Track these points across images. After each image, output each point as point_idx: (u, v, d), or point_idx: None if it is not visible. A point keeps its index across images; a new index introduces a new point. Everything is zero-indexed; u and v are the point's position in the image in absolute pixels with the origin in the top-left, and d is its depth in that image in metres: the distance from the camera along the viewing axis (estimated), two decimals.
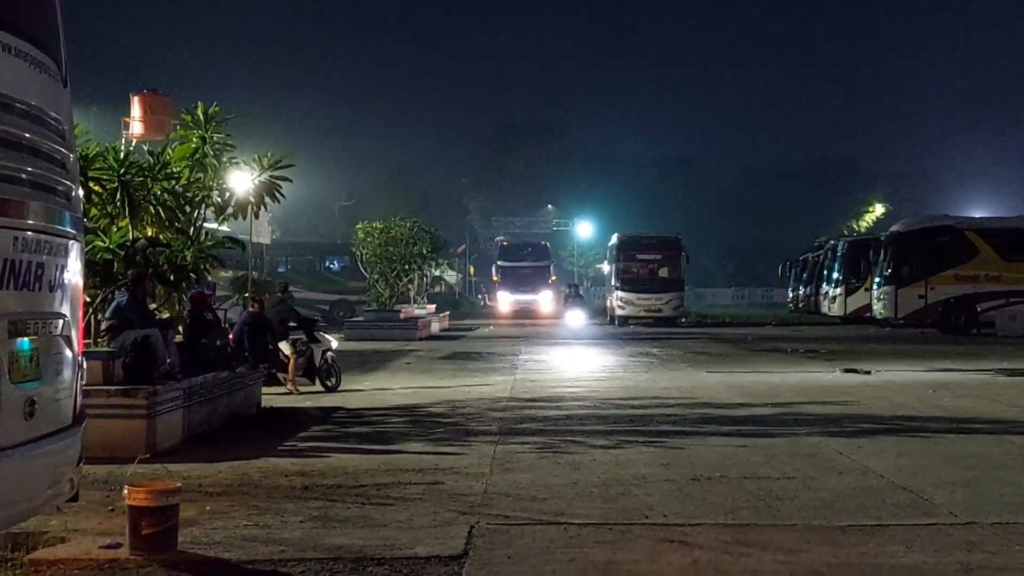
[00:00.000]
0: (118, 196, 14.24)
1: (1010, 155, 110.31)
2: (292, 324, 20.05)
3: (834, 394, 18.34)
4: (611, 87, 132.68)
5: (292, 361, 19.06)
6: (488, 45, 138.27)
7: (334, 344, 20.23)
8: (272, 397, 17.70)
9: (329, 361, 19.53)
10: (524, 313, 59.61)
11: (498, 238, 75.63)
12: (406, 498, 9.72)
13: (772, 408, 16.39)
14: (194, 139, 15.40)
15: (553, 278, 65.70)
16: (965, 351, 29.45)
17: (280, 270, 53.84)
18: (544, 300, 61.99)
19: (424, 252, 43.40)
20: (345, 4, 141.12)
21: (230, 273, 31.79)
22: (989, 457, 11.79)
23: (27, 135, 6.24)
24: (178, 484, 7.98)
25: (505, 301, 62.73)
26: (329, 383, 19.35)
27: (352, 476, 10.74)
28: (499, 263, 64.94)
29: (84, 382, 7.33)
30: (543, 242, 70.02)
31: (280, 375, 19.01)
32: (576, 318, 49.14)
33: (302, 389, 18.96)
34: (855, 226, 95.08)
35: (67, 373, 6.78)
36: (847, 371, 22.90)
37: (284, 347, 19.23)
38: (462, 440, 13.28)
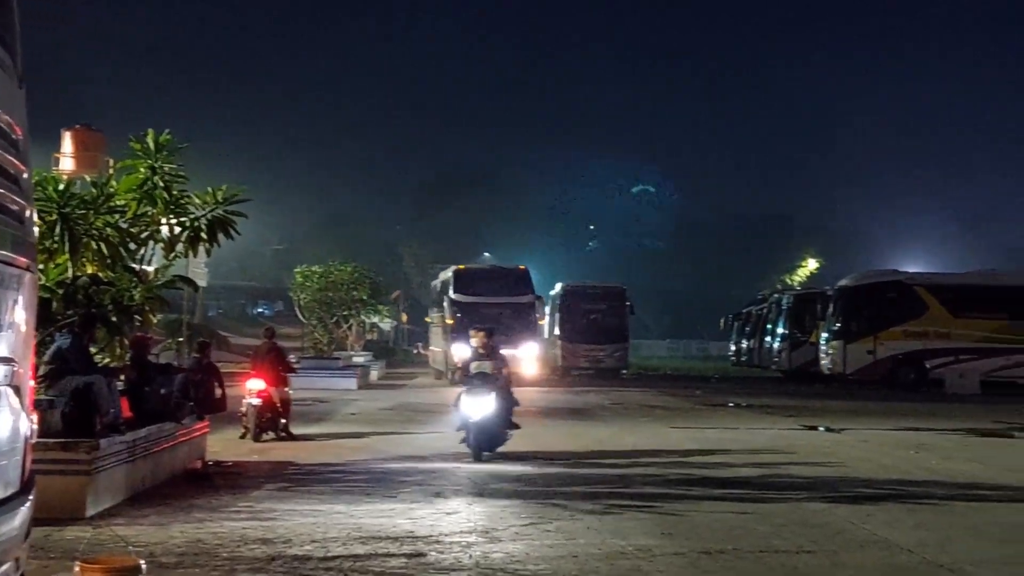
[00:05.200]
0: (57, 230, 13.05)
1: (944, 211, 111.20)
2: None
3: (813, 454, 17.43)
4: (547, 137, 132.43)
5: (289, 408, 19.20)
6: (422, 92, 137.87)
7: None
8: (216, 450, 16.43)
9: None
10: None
11: (444, 270, 47.36)
12: (389, 573, 8.61)
13: (756, 469, 15.42)
14: (142, 169, 14.19)
15: (541, 320, 43.84)
16: (923, 409, 28.70)
17: (211, 314, 52.45)
18: (527, 355, 39.88)
19: (364, 298, 42.21)
20: (278, 49, 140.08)
21: (159, 316, 30.45)
22: (1016, 529, 10.88)
23: None
24: (140, 561, 6.80)
25: (463, 355, 33.80)
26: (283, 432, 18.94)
27: (321, 544, 9.59)
28: (454, 297, 41.10)
29: (34, 440, 6.15)
30: (521, 267, 44.92)
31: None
32: (479, 407, 16.38)
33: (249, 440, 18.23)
34: (788, 280, 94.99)
35: (15, 431, 5.59)
36: (814, 428, 22.09)
37: (282, 393, 19.01)
38: (433, 502, 12.17)
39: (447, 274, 43.58)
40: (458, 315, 39.93)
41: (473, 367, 17.17)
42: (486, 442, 16.29)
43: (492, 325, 19.06)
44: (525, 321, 40.93)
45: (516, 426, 17.17)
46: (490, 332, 17.99)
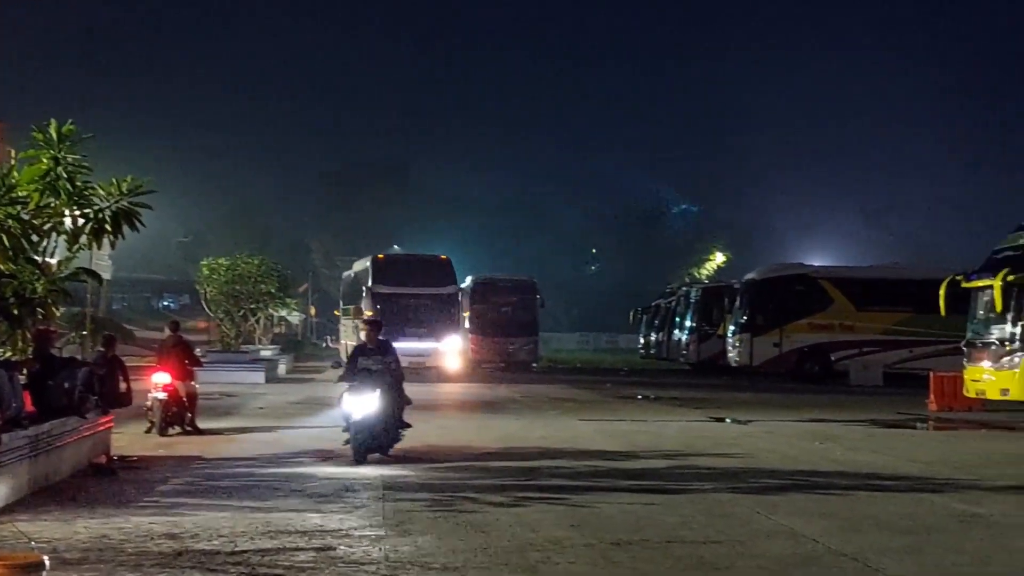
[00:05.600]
0: None
1: (849, 205, 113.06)
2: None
3: (720, 445, 17.66)
4: (455, 128, 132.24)
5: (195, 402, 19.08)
6: (331, 82, 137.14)
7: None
8: (121, 444, 16.19)
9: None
10: (413, 371, 32.88)
11: (359, 260, 45.65)
12: (297, 567, 8.56)
13: (664, 460, 15.60)
14: (45, 160, 13.89)
15: (466, 312, 42.74)
16: (827, 401, 29.17)
17: (115, 307, 51.62)
18: (449, 350, 38.68)
19: (272, 291, 41.75)
20: (186, 36, 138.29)
21: (62, 309, 29.87)
22: (917, 519, 11.09)
23: None
24: (43, 557, 6.67)
25: None
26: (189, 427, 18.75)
27: (229, 539, 9.50)
28: (373, 287, 38.81)
29: None
30: (443, 256, 42.41)
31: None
32: (361, 405, 15.19)
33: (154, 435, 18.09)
34: (696, 274, 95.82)
35: None
36: (722, 420, 22.36)
37: (188, 387, 18.82)
38: (343, 496, 12.11)
39: (364, 264, 42.20)
40: (378, 307, 37.26)
41: (360, 363, 15.86)
42: (369, 443, 15.15)
43: (378, 318, 17.69)
44: (448, 313, 39.37)
45: (407, 425, 16.04)
46: (378, 325, 16.84)
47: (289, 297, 49.50)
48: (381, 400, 15.20)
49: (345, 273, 50.01)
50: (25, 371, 13.45)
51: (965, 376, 24.60)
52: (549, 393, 31.01)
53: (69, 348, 27.69)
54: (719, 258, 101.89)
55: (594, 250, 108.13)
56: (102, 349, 17.42)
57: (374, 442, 15.21)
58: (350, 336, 41.64)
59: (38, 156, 14.01)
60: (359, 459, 14.89)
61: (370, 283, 39.09)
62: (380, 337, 16.40)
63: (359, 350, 16.33)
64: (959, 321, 25.95)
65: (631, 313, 59.54)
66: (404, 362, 29.98)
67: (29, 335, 14.16)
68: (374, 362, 15.72)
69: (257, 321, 42.51)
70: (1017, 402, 23.20)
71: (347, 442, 15.24)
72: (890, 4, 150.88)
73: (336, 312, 53.44)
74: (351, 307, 42.41)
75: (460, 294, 40.78)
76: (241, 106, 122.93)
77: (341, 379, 16.41)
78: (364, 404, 15.13)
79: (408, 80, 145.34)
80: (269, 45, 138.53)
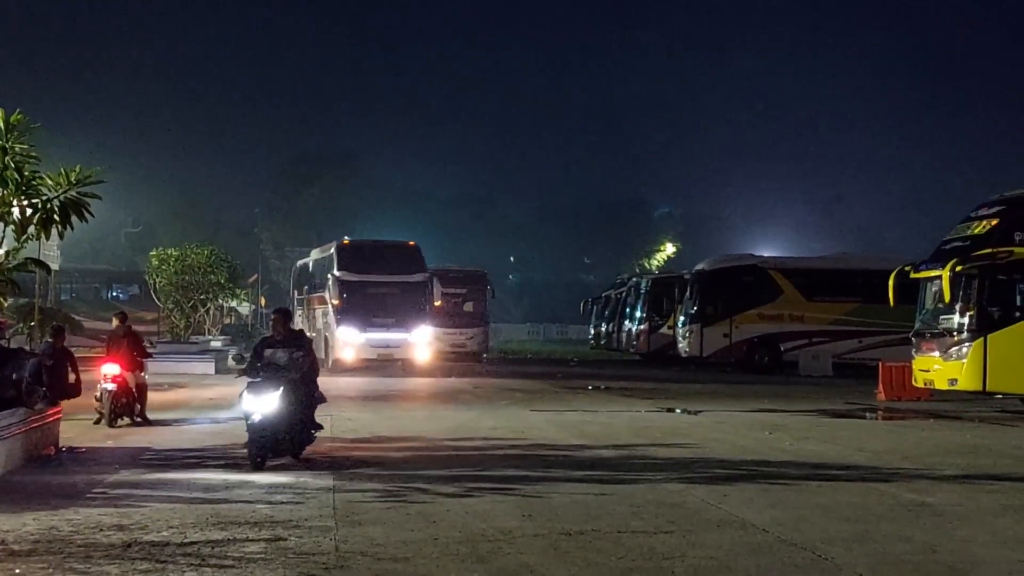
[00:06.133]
0: None
1: (796, 196, 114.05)
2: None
3: (671, 435, 17.71)
4: (407, 120, 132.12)
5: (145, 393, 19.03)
6: (282, 72, 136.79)
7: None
8: (70, 436, 16.06)
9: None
10: (384, 367, 35.79)
11: (321, 247, 43.87)
12: (248, 558, 8.53)
13: (615, 451, 15.64)
14: None
15: (438, 303, 39.31)
16: (777, 391, 29.25)
17: (64, 298, 51.24)
18: (419, 342, 36.69)
19: (222, 281, 41.51)
20: (137, 28, 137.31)
21: (10, 300, 29.60)
22: (865, 508, 11.18)
23: None
24: None
25: (352, 344, 35.41)
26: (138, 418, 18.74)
27: (179, 531, 9.47)
28: (339, 275, 36.67)
29: None
30: (411, 242, 40.33)
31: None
32: (260, 405, 13.64)
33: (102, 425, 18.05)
34: (647, 265, 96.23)
35: None
36: (672, 410, 22.45)
37: (137, 378, 18.76)
38: (293, 487, 12.08)
39: (327, 251, 40.64)
40: (344, 295, 36.16)
41: (264, 357, 14.31)
42: (269, 447, 13.61)
43: (286, 307, 16.69)
44: (417, 302, 37.17)
45: (319, 426, 14.68)
46: (286, 314, 15.44)
47: (239, 287, 49.27)
48: (283, 399, 13.68)
49: (299, 262, 49.40)
50: None
51: (914, 366, 24.80)
52: (500, 384, 31.01)
53: (17, 339, 27.47)
54: (669, 249, 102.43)
55: (512, 258, 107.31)
56: (51, 340, 17.26)
57: (276, 446, 13.71)
58: (303, 326, 40.98)
59: None
60: (256, 465, 13.35)
61: (335, 271, 37.07)
62: (293, 327, 15.66)
63: (264, 342, 14.92)
64: (908, 311, 26.14)
65: (582, 304, 59.65)
66: (372, 354, 29.38)
67: None
68: (281, 356, 14.23)
69: (207, 312, 42.28)
70: (965, 392, 23.44)
71: (246, 444, 13.82)
72: None
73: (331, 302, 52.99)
74: (314, 296, 41.32)
75: (431, 282, 38.18)
76: (191, 97, 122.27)
77: (242, 374, 14.77)
78: (264, 403, 13.63)
79: (361, 72, 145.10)
80: (220, 37, 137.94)
